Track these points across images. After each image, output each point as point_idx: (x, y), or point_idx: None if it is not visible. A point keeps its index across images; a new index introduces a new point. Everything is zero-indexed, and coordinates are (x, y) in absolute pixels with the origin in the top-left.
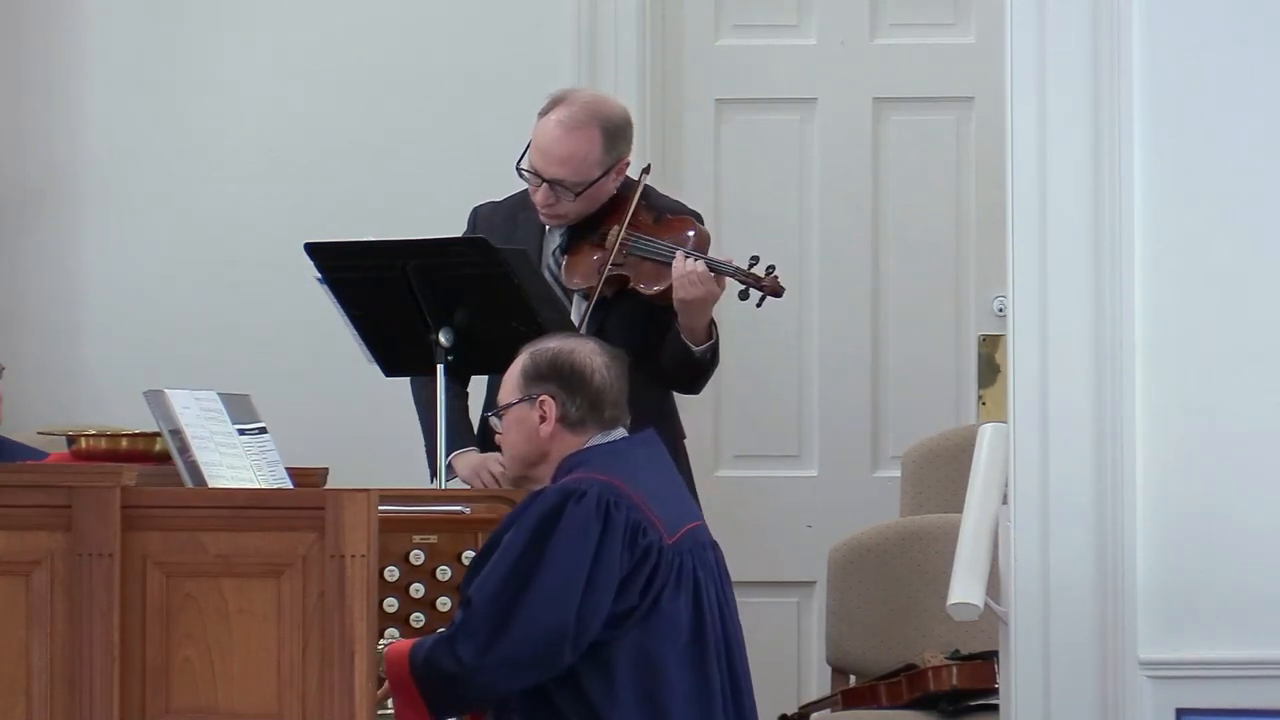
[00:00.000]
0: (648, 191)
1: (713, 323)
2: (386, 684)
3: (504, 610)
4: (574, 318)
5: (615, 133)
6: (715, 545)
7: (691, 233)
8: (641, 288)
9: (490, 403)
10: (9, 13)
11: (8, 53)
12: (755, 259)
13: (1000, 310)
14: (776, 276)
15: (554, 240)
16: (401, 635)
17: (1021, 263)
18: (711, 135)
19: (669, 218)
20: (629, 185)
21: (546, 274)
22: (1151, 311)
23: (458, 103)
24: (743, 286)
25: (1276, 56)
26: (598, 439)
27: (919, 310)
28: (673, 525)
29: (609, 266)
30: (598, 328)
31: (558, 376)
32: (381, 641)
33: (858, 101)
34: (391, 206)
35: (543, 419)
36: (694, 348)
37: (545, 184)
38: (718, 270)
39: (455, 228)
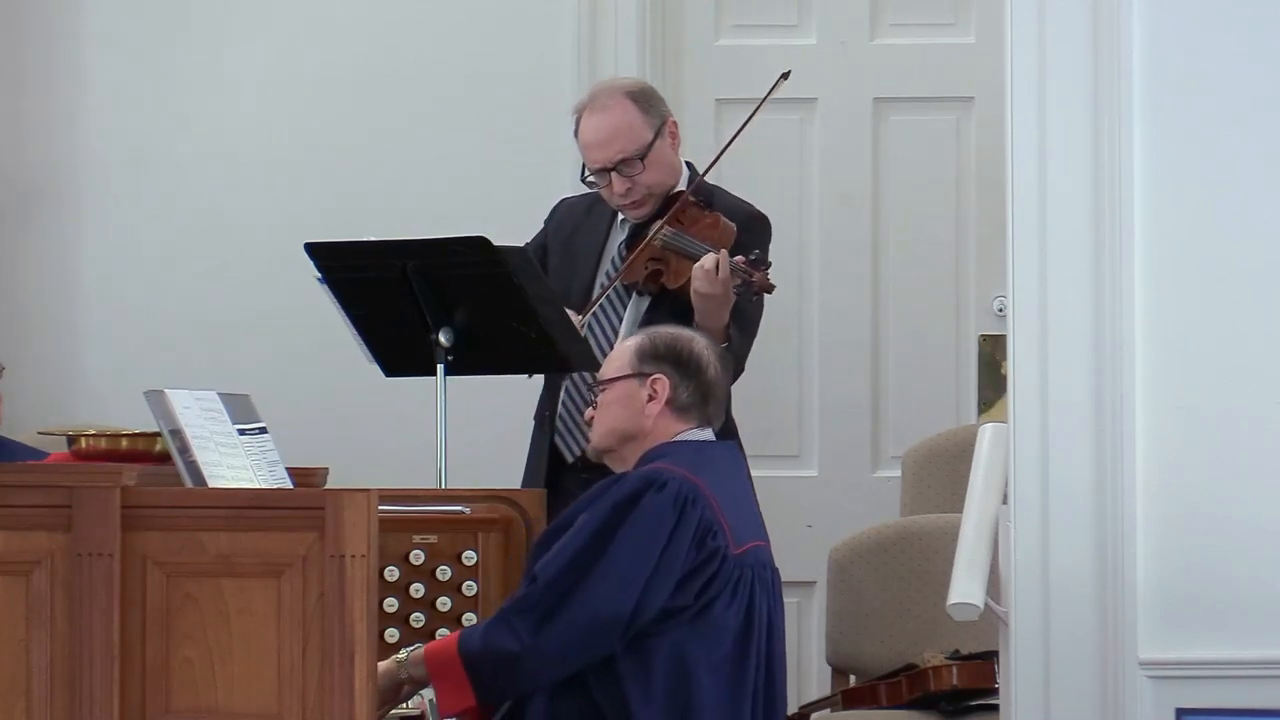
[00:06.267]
0: (712, 190)
1: (731, 326)
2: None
3: (565, 590)
4: (630, 313)
5: (643, 96)
6: (775, 570)
7: (718, 230)
8: (669, 283)
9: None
10: (9, 12)
11: (8, 52)
12: (755, 254)
13: (1000, 310)
14: (767, 274)
15: (619, 236)
16: (401, 635)
17: (1021, 263)
18: (711, 135)
19: (707, 216)
20: (697, 189)
21: (610, 268)
22: (1151, 311)
23: (459, 103)
24: (739, 281)
25: (1276, 56)
26: (692, 434)
27: (919, 310)
28: (740, 538)
29: (647, 262)
30: (646, 325)
31: (674, 359)
32: (411, 647)
33: (858, 101)
34: (391, 206)
35: (651, 398)
36: None
37: (614, 172)
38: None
39: (456, 227)
